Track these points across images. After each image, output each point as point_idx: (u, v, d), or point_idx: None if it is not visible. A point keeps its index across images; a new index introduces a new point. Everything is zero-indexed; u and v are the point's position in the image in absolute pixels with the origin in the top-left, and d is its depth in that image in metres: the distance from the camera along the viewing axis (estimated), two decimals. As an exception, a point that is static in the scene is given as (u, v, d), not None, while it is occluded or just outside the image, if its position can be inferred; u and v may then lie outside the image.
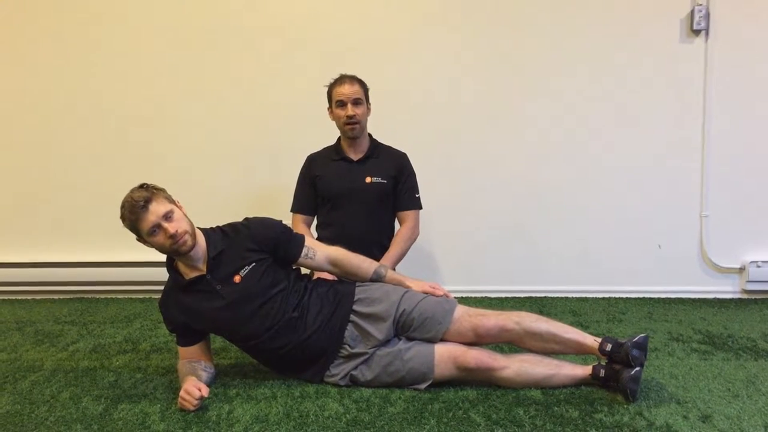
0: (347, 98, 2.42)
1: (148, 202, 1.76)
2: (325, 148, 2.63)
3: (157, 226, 1.78)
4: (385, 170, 2.53)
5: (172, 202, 1.86)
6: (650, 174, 3.12)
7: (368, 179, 2.50)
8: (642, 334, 1.81)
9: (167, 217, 1.79)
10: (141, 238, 1.83)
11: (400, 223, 2.61)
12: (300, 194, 2.62)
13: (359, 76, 2.50)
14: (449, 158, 3.18)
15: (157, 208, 1.77)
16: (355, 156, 2.54)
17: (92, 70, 3.26)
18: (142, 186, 1.83)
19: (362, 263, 2.05)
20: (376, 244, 2.52)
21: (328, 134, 2.63)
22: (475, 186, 3.19)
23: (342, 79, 2.46)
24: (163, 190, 1.85)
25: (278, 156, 3.18)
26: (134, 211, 1.76)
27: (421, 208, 2.62)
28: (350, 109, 2.43)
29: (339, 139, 2.60)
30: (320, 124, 2.66)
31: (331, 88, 2.48)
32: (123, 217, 1.80)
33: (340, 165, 2.54)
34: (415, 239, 2.58)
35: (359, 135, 2.50)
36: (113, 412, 1.77)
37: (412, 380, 1.86)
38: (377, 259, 2.40)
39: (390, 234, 2.59)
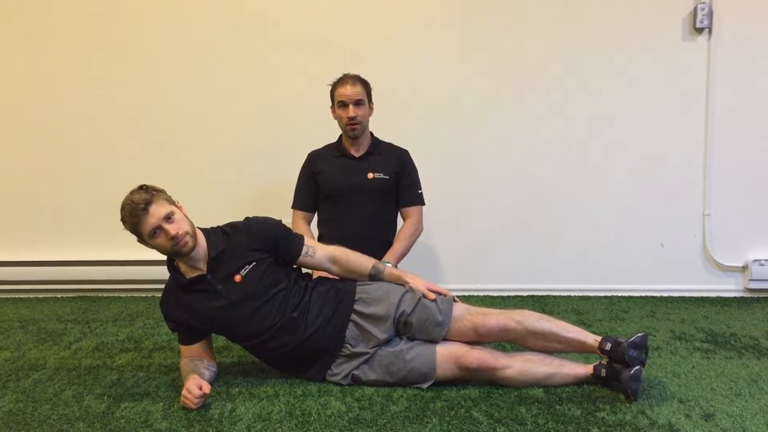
0: (349, 99, 2.42)
1: (148, 204, 1.76)
2: (326, 146, 2.63)
3: (158, 228, 1.77)
4: (387, 166, 2.54)
5: (172, 203, 1.85)
6: (652, 172, 3.11)
7: (370, 175, 2.51)
8: (640, 334, 1.80)
9: (168, 218, 1.78)
10: (142, 240, 1.83)
11: (404, 219, 2.61)
12: (301, 191, 2.62)
13: (362, 75, 2.49)
14: (451, 156, 3.17)
15: (157, 210, 1.77)
16: (356, 153, 2.54)
17: (93, 69, 3.26)
18: (141, 187, 1.82)
19: (361, 260, 2.05)
20: (378, 240, 2.52)
21: (328, 133, 2.63)
22: (477, 184, 3.18)
23: (344, 80, 2.46)
24: (162, 191, 1.84)
25: (279, 155, 3.16)
26: (135, 214, 1.75)
27: (424, 203, 2.62)
28: (352, 111, 2.43)
29: (340, 136, 2.60)
30: (321, 122, 2.66)
31: (334, 87, 2.48)
32: (123, 220, 1.79)
33: (342, 161, 2.54)
34: (418, 235, 2.59)
35: (360, 135, 2.51)
36: (116, 410, 1.77)
37: (414, 380, 1.85)
38: (380, 254, 2.41)
39: (393, 230, 2.60)
